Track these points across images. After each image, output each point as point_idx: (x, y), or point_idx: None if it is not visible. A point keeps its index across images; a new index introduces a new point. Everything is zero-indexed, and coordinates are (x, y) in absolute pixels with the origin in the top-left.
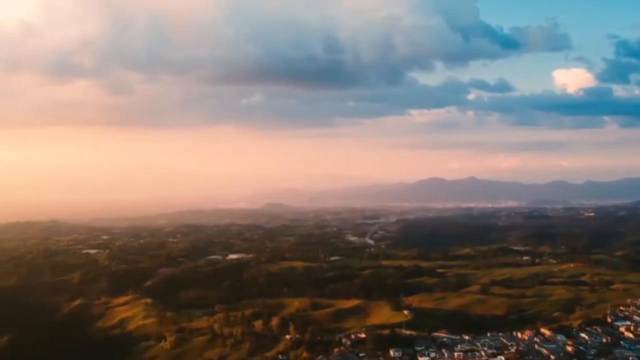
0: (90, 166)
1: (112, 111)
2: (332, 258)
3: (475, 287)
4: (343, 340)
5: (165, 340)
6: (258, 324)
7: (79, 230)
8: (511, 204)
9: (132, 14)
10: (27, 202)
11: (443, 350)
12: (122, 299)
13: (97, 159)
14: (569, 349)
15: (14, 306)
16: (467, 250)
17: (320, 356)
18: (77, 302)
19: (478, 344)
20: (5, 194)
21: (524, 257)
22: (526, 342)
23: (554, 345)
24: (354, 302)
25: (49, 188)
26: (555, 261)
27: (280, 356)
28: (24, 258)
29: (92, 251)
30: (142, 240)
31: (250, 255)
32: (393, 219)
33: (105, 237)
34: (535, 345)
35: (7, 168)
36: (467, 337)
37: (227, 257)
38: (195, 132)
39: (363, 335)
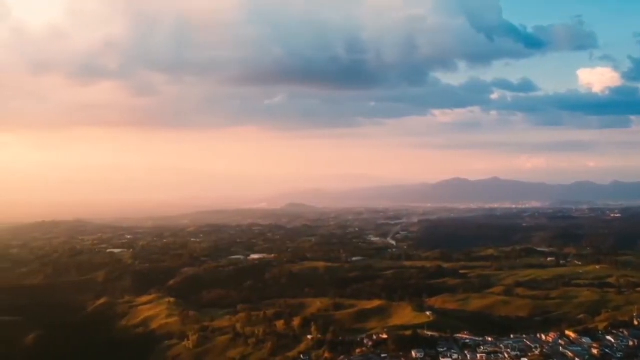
0: (114, 167)
1: (136, 112)
2: (354, 258)
3: (498, 289)
4: (365, 341)
5: (188, 339)
6: (280, 323)
7: (104, 230)
8: (535, 204)
9: (156, 15)
10: (54, 202)
11: (466, 352)
12: (145, 298)
13: (122, 160)
14: (595, 351)
15: (40, 304)
16: (490, 251)
17: (342, 356)
18: (101, 301)
19: (501, 345)
20: (32, 194)
21: (549, 259)
22: (551, 345)
23: (579, 348)
24: (375, 303)
25: (75, 188)
26: (580, 263)
27: (302, 356)
28: (50, 257)
29: (116, 250)
30: (165, 240)
31: (272, 255)
32: (415, 219)
33: (129, 236)
34: (560, 348)
35: (34, 168)
36: (490, 339)
37: (249, 257)
38: (218, 132)
39: (385, 336)
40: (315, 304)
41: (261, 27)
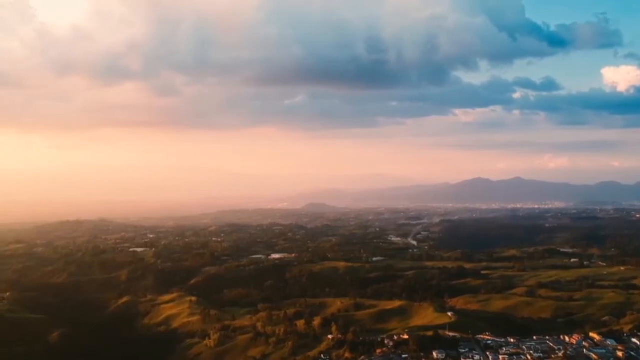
0: (137, 167)
1: (158, 113)
2: (375, 259)
3: (521, 290)
4: (386, 341)
5: (210, 338)
6: (300, 323)
7: (127, 229)
8: (559, 205)
9: (178, 17)
10: (77, 201)
11: (488, 353)
12: (167, 297)
13: (144, 160)
14: (620, 354)
15: (64, 302)
16: (512, 252)
17: (363, 357)
18: (124, 299)
19: (524, 347)
20: (56, 193)
21: (572, 260)
22: (574, 347)
23: (603, 350)
24: (396, 303)
25: (98, 188)
26: (605, 264)
27: (322, 356)
28: (74, 256)
29: (139, 249)
30: (187, 239)
31: (293, 255)
32: (437, 219)
33: (151, 236)
34: (584, 350)
35: (59, 168)
36: (512, 340)
37: (269, 257)
38: (239, 133)
39: (406, 337)
40: (336, 304)
41: (282, 28)
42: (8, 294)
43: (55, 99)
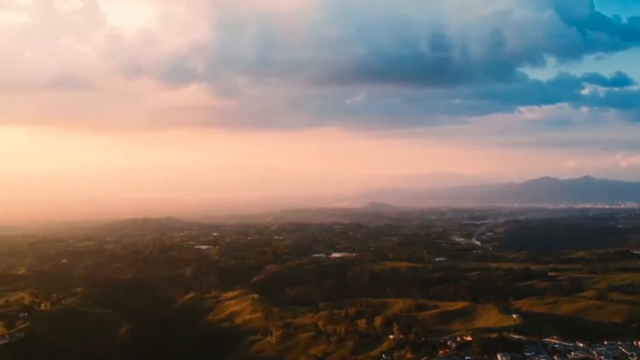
0: (201, 166)
1: (222, 113)
2: (437, 259)
3: (590, 292)
4: (448, 343)
5: (271, 335)
6: (361, 322)
7: (192, 227)
8: (632, 205)
9: (241, 19)
10: (145, 199)
11: (555, 357)
12: (230, 294)
13: (208, 160)
14: None
15: (132, 297)
16: (581, 253)
17: (425, 358)
18: (189, 296)
19: (594, 352)
20: (126, 192)
21: None
22: None
23: None
24: (460, 304)
25: (165, 187)
26: None
27: (383, 356)
28: (142, 253)
29: (203, 247)
30: (249, 238)
31: (354, 254)
32: (501, 219)
33: (215, 234)
34: None
35: (127, 168)
36: (581, 345)
37: (330, 256)
38: (301, 132)
39: (469, 338)
40: (398, 304)
41: (343, 27)
42: (80, 288)
43: (124, 101)
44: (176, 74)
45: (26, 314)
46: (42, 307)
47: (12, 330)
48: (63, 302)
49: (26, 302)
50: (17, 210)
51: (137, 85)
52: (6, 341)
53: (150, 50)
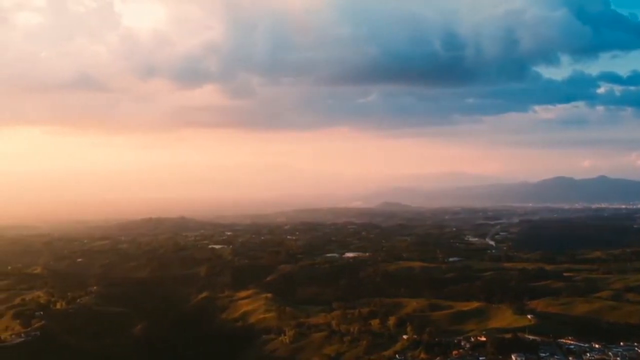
0: (214, 166)
1: (235, 113)
2: (451, 259)
3: (606, 293)
4: (462, 343)
5: (285, 335)
6: (375, 322)
7: (205, 227)
8: None
9: (254, 19)
10: (159, 199)
11: (570, 358)
12: (244, 293)
13: (221, 160)
14: None
15: (147, 296)
16: (597, 254)
17: (439, 358)
18: (203, 295)
19: (610, 353)
20: (140, 192)
21: None
22: None
23: None
24: (474, 305)
25: (178, 187)
26: None
27: (397, 356)
28: (156, 252)
29: (217, 246)
30: (262, 237)
31: (367, 254)
32: (516, 219)
33: (228, 233)
34: None
35: (141, 168)
36: (597, 346)
37: (343, 256)
38: (313, 132)
39: (483, 339)
40: (411, 304)
41: (356, 26)
42: (95, 287)
43: (138, 102)
44: (189, 74)
45: (42, 313)
46: (58, 305)
47: (28, 329)
48: (78, 301)
49: (42, 300)
50: (32, 210)
51: (151, 85)
52: (22, 339)
53: (163, 51)
